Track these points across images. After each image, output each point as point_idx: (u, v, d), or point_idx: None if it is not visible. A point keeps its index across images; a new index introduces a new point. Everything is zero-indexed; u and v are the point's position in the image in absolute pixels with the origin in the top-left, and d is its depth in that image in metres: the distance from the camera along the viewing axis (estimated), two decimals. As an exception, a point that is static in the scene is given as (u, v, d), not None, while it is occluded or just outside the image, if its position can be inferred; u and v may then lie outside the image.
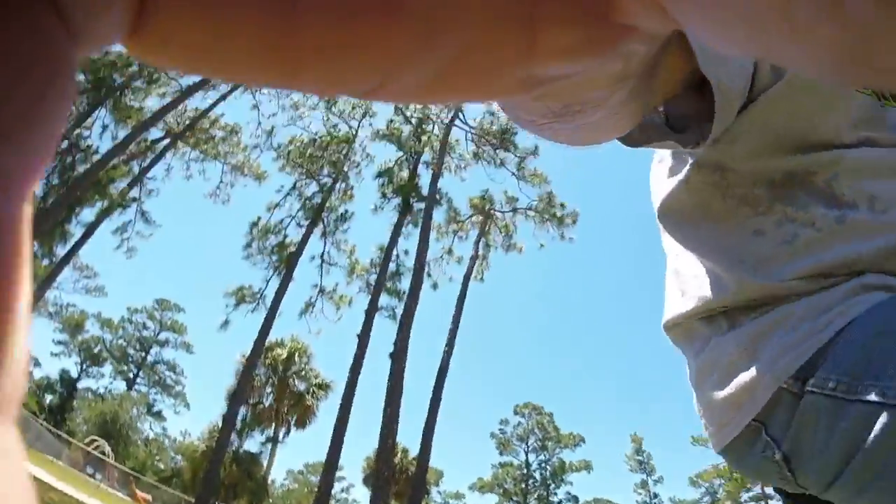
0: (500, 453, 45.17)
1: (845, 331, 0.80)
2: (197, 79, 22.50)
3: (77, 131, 21.83)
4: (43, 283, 21.79)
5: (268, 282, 24.02)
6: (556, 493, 44.43)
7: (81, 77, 21.24)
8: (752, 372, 0.86)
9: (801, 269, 0.84)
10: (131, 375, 42.55)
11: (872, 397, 0.73)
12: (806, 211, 0.87)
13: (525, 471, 44.41)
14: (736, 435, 0.89)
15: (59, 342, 41.12)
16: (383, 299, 22.66)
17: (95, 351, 41.44)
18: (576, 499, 45.01)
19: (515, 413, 45.62)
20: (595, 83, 0.21)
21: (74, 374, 41.09)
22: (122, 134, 22.00)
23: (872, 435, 0.72)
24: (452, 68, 0.16)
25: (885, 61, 0.12)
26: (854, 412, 0.75)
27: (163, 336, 43.69)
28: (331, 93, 0.17)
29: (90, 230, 21.92)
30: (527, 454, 44.87)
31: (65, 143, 21.41)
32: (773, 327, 0.86)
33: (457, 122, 24.92)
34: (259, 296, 23.87)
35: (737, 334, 0.90)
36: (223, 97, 23.94)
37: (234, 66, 0.16)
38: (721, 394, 0.90)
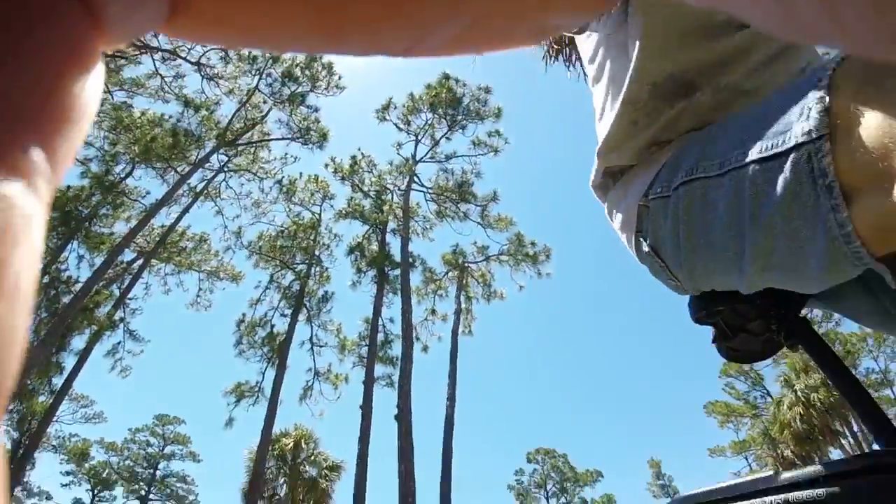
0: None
1: (668, 163, 1.06)
2: (158, 196, 23.34)
3: (55, 266, 22.41)
4: (43, 418, 21.96)
5: (263, 374, 24.36)
6: (585, 532, 44.11)
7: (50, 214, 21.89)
8: (626, 203, 1.14)
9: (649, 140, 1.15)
10: (143, 493, 42.18)
11: (677, 183, 0.98)
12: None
13: (550, 515, 44.10)
14: (634, 249, 1.15)
15: (67, 472, 40.90)
16: (379, 369, 23.10)
17: (104, 475, 41.15)
18: (606, 533, 44.68)
19: (529, 461, 45.51)
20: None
21: (87, 501, 40.79)
22: (98, 261, 22.63)
23: (681, 209, 0.96)
24: (475, 27, 0.18)
25: None
26: (673, 199, 0.99)
27: (168, 450, 43.53)
28: (371, 54, 0.16)
29: (83, 357, 22.24)
30: (547, 499, 44.59)
31: (46, 278, 21.96)
32: (633, 175, 1.16)
33: (413, 185, 25.83)
34: (257, 388, 24.15)
35: (621, 184, 1.20)
36: (186, 210, 24.67)
37: (282, 37, 0.15)
38: (618, 224, 1.19)
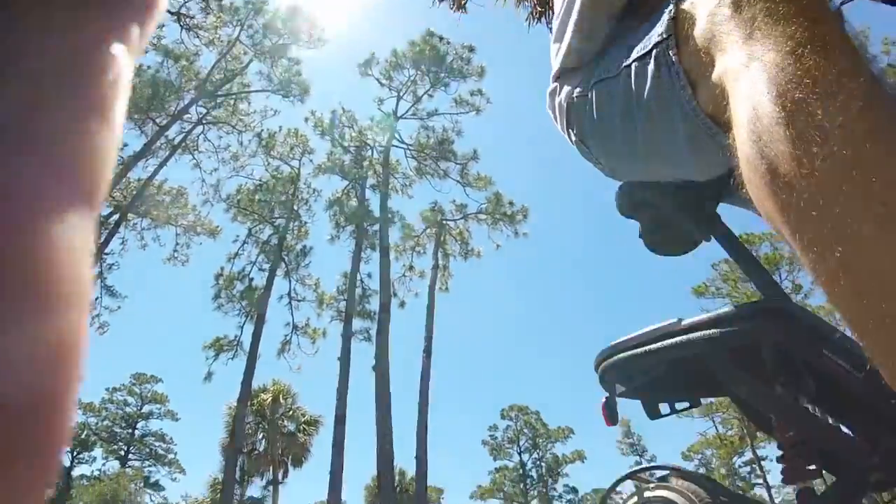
0: (495, 459, 45.60)
1: (589, 68, 1.24)
2: (136, 148, 23.25)
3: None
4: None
5: (242, 328, 24.45)
6: (555, 488, 44.96)
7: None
8: (559, 100, 1.32)
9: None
10: (122, 453, 42.35)
11: (591, 83, 1.17)
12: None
13: (521, 471, 44.84)
14: (568, 139, 1.34)
15: (44, 435, 40.91)
16: (357, 324, 23.38)
17: (83, 437, 41.14)
18: (575, 490, 45.69)
19: (503, 417, 46.18)
20: None
21: (67, 463, 40.73)
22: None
23: (594, 105, 1.16)
24: None
25: None
26: (589, 97, 1.18)
27: (146, 409, 43.67)
28: None
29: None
30: (520, 455, 45.34)
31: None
32: (566, 80, 1.33)
33: (394, 142, 25.94)
34: (236, 342, 24.34)
35: (557, 88, 1.36)
36: (163, 163, 24.58)
37: None
38: (556, 121, 1.37)
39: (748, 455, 35.86)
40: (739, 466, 37.31)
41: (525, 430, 45.54)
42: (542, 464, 45.17)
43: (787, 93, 0.54)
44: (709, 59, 0.76)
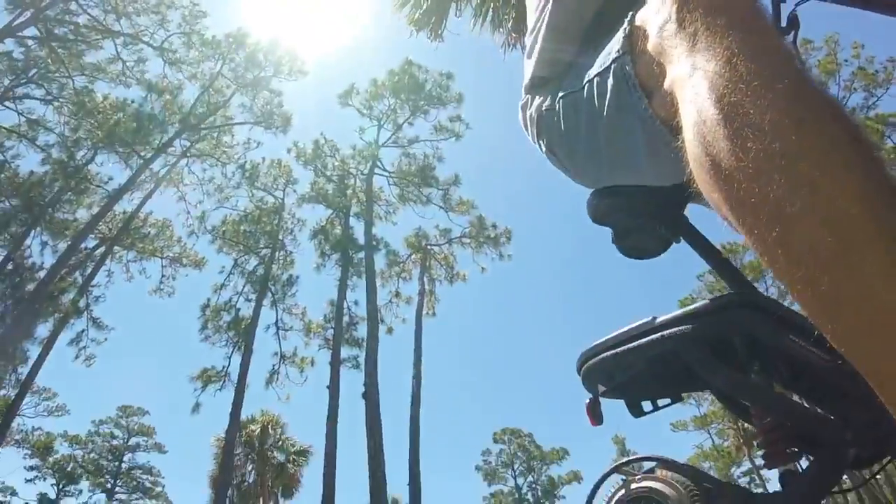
0: (489, 484, 45.41)
1: (557, 83, 1.29)
2: (121, 182, 23.25)
3: (19, 252, 22.21)
4: (7, 411, 21.81)
5: (229, 358, 24.38)
6: (551, 510, 44.82)
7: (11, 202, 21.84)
8: (530, 113, 1.37)
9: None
10: (109, 486, 41.78)
11: (559, 97, 1.23)
12: None
13: (517, 495, 44.63)
14: (539, 149, 1.39)
15: (32, 468, 40.18)
16: (345, 351, 23.30)
17: (69, 469, 40.60)
18: (572, 512, 45.44)
19: (495, 441, 46.00)
20: None
21: (53, 495, 40.21)
22: (61, 247, 22.49)
23: (561, 117, 1.21)
24: None
25: None
26: (557, 109, 1.23)
27: (133, 441, 43.20)
28: None
29: (48, 345, 22.08)
30: (515, 478, 45.17)
31: (10, 265, 21.75)
32: (536, 93, 1.38)
33: (376, 170, 26.05)
34: (224, 373, 24.18)
35: (528, 101, 1.40)
36: (148, 195, 24.61)
37: None
38: (528, 132, 1.42)
39: (746, 465, 35.80)
40: (738, 477, 37.20)
41: (519, 454, 45.34)
42: (538, 487, 44.93)
43: (724, 97, 0.61)
44: (660, 71, 0.82)
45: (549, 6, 1.35)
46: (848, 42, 24.29)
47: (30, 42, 22.13)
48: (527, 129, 1.42)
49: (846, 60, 24.33)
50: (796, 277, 0.51)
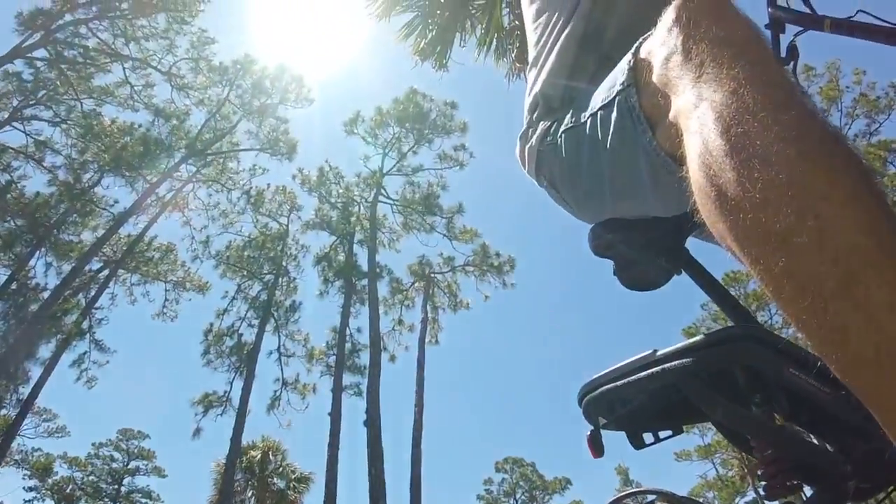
0: (491, 514, 44.92)
1: (559, 117, 1.28)
2: (127, 205, 23.34)
3: (23, 272, 22.27)
4: (7, 431, 21.70)
5: (231, 383, 24.31)
6: (554, 541, 44.26)
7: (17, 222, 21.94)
8: (529, 147, 1.36)
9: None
10: (108, 510, 41.42)
11: (562, 131, 1.23)
12: None
13: (519, 526, 44.21)
14: (539, 184, 1.39)
15: (30, 489, 39.83)
16: (347, 378, 23.22)
17: (68, 491, 40.26)
18: (574, 542, 44.88)
19: (497, 470, 45.49)
20: None
21: (51, 517, 39.81)
22: (65, 269, 22.54)
23: (563, 151, 1.22)
24: None
25: None
26: (559, 143, 1.23)
27: (133, 465, 42.87)
28: None
29: (50, 366, 22.02)
30: (517, 509, 44.73)
31: (14, 285, 21.79)
32: (535, 126, 1.37)
33: (380, 198, 26.13)
34: (225, 398, 24.09)
35: (528, 133, 1.40)
36: (154, 220, 24.68)
37: None
38: (525, 166, 1.41)
39: (751, 495, 35.33)
40: (743, 507, 36.69)
41: (521, 483, 44.84)
42: (541, 517, 44.39)
43: (730, 127, 0.61)
44: (665, 102, 0.82)
45: (551, 40, 1.36)
46: (849, 68, 24.40)
47: (39, 63, 22.29)
48: (524, 162, 1.42)
49: (848, 87, 24.44)
50: (802, 307, 0.51)
